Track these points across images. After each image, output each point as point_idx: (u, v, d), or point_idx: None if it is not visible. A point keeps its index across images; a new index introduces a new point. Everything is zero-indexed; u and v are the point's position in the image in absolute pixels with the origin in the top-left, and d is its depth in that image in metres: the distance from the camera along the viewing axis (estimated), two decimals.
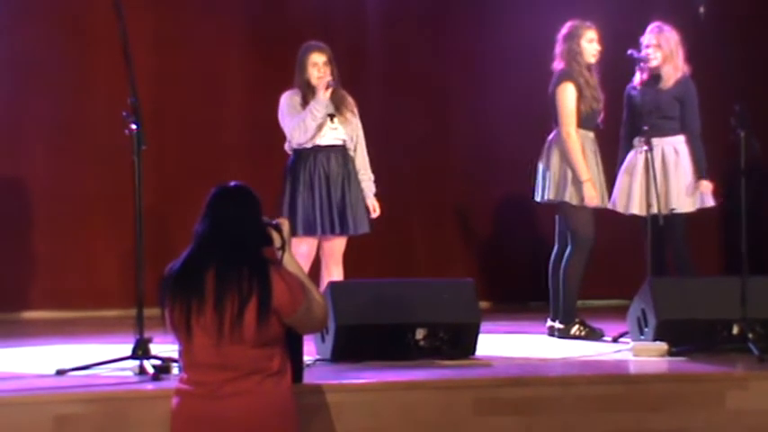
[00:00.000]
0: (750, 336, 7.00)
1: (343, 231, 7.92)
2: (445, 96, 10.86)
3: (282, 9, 10.41)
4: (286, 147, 8.03)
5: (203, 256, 5.00)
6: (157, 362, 6.16)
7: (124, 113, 6.35)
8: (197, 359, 4.99)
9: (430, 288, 7.17)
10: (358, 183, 7.99)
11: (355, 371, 6.45)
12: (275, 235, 5.16)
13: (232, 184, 5.21)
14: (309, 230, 7.84)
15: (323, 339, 6.84)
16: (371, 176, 8.07)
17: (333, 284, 7.01)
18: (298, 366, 5.64)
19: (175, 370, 6.00)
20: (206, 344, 4.95)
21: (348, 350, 6.72)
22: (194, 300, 4.94)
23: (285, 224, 5.21)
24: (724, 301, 7.19)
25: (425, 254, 10.77)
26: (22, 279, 9.95)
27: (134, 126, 6.33)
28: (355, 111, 8.04)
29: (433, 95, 10.83)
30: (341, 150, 7.96)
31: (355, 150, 8.03)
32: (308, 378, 5.91)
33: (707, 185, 8.17)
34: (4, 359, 7.11)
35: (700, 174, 8.17)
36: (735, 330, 7.16)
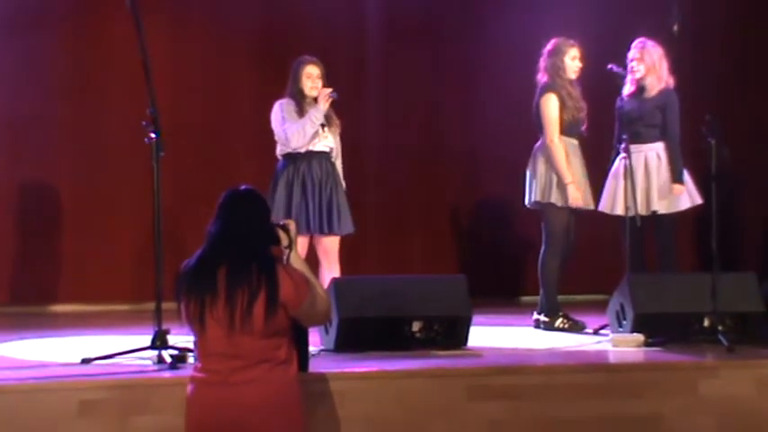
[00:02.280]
0: (720, 328, 7.01)
1: (331, 231, 7.93)
2: (440, 104, 10.87)
3: (287, 25, 10.42)
4: (278, 151, 8.03)
5: (216, 255, 5.02)
6: (174, 352, 6.16)
7: (144, 123, 6.35)
8: (210, 349, 5.00)
9: (425, 284, 7.17)
10: (343, 187, 8.02)
11: (356, 360, 6.45)
12: (282, 235, 5.19)
13: (242, 187, 5.22)
14: (302, 229, 7.85)
15: (327, 331, 6.85)
16: (344, 184, 8.12)
17: (336, 281, 7.02)
18: (304, 356, 5.65)
19: (191, 359, 6.00)
20: (219, 335, 4.97)
21: (350, 341, 6.73)
22: (208, 295, 4.96)
23: (292, 225, 5.24)
24: (696, 295, 7.19)
25: (421, 251, 10.77)
26: (51, 275, 9.95)
27: (153, 135, 6.34)
28: (339, 125, 8.08)
29: (428, 103, 10.83)
30: (328, 157, 8.01)
31: (336, 159, 8.08)
32: (314, 367, 5.90)
33: (679, 188, 8.17)
34: (34, 349, 7.12)
35: (675, 178, 8.18)
36: (706, 323, 7.17)
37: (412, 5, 10.80)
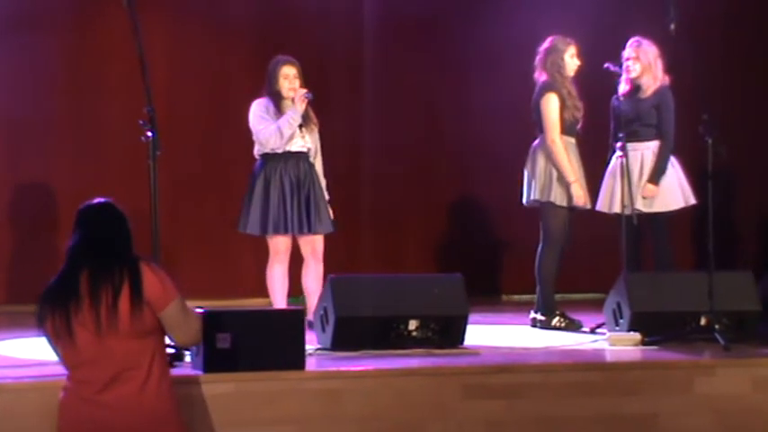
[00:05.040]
0: (716, 327, 7.05)
1: (310, 230, 7.96)
2: (436, 103, 10.88)
3: (283, 24, 10.43)
4: (255, 151, 8.08)
5: (76, 264, 4.96)
6: (171, 350, 6.16)
7: (141, 122, 6.36)
8: (80, 358, 4.91)
9: (422, 283, 7.20)
10: (321, 186, 8.06)
11: (353, 359, 6.47)
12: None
13: (97, 200, 5.17)
14: (280, 228, 7.88)
15: (323, 330, 6.86)
16: (324, 182, 8.13)
17: (333, 279, 7.03)
18: (300, 354, 5.68)
19: (188, 357, 6.00)
20: (87, 339, 4.88)
21: (347, 340, 6.75)
22: (72, 302, 4.89)
23: None
24: (693, 294, 7.23)
25: (417, 250, 10.78)
26: (49, 274, 9.87)
27: (150, 133, 6.35)
28: (317, 124, 8.11)
29: (424, 102, 10.84)
30: (306, 157, 8.04)
31: (314, 158, 8.11)
32: (310, 365, 5.93)
33: (651, 190, 8.13)
34: (32, 348, 7.11)
35: (652, 177, 8.13)
36: (703, 322, 7.21)
37: (410, 4, 10.81)
